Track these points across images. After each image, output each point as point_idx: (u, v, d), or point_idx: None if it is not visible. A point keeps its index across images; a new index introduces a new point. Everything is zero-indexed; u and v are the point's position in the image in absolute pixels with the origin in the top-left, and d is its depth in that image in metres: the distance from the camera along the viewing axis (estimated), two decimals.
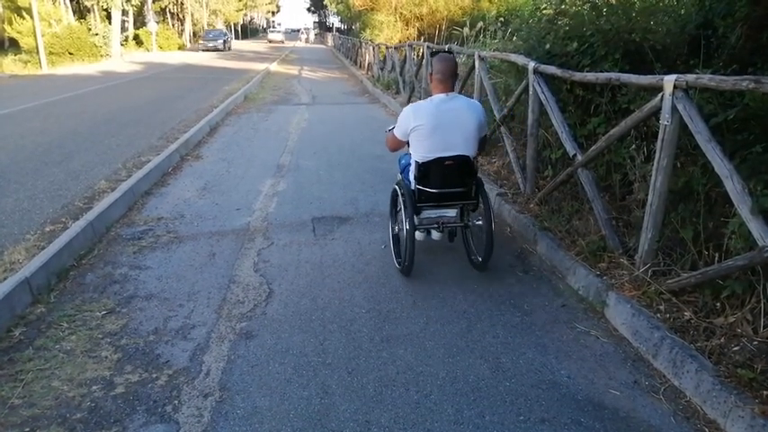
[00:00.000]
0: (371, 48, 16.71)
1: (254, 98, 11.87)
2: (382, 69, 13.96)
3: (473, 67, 5.88)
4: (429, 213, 3.37)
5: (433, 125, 3.05)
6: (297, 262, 3.53)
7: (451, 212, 3.41)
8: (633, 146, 3.45)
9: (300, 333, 2.70)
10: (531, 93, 4.20)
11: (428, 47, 9.07)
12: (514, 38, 7.34)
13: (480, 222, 3.26)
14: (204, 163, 6.16)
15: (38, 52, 18.29)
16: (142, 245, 3.77)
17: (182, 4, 43.54)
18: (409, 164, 3.31)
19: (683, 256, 2.85)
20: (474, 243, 3.48)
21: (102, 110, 9.52)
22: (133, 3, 27.60)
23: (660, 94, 2.67)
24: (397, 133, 3.27)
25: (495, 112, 5.09)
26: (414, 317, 2.86)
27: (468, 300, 3.05)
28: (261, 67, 20.07)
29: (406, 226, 3.14)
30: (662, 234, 2.91)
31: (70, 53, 21.00)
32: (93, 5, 26.15)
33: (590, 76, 3.47)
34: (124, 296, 3.05)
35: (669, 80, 2.59)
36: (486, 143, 3.58)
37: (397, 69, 11.69)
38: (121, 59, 24.43)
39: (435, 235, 3.56)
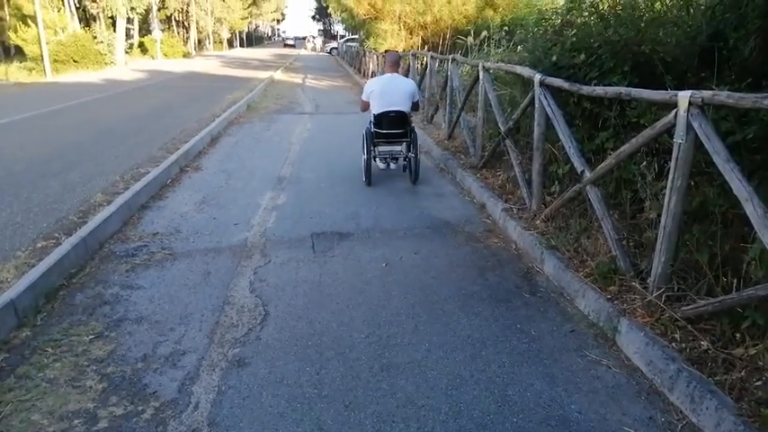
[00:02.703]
0: (375, 56, 16.66)
1: (256, 107, 11.81)
2: None
3: (477, 78, 5.77)
4: (384, 148, 5.52)
5: (381, 89, 5.30)
6: (294, 281, 3.41)
7: (398, 148, 5.53)
8: (644, 162, 3.32)
9: (296, 360, 2.57)
10: (537, 106, 4.08)
11: (432, 56, 9.00)
12: (519, 48, 7.23)
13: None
14: (204, 174, 6.06)
15: (43, 60, 18.33)
16: (135, 262, 3.65)
17: (187, 12, 43.77)
18: (371, 118, 5.38)
19: (698, 281, 2.71)
20: (412, 169, 5.58)
21: (103, 119, 9.46)
22: (138, 11, 27.71)
23: (674, 111, 2.55)
24: (363, 97, 5.49)
25: (500, 125, 4.98)
26: (415, 343, 2.73)
27: (473, 324, 2.92)
28: (265, 75, 20.05)
29: (366, 155, 5.42)
30: (676, 257, 2.77)
31: (75, 61, 21.04)
32: (98, 13, 26.29)
33: (599, 90, 3.35)
34: (114, 319, 2.92)
35: (684, 96, 2.47)
36: (418, 106, 5.90)
37: None
38: (126, 67, 24.51)
39: (393, 166, 5.70)
